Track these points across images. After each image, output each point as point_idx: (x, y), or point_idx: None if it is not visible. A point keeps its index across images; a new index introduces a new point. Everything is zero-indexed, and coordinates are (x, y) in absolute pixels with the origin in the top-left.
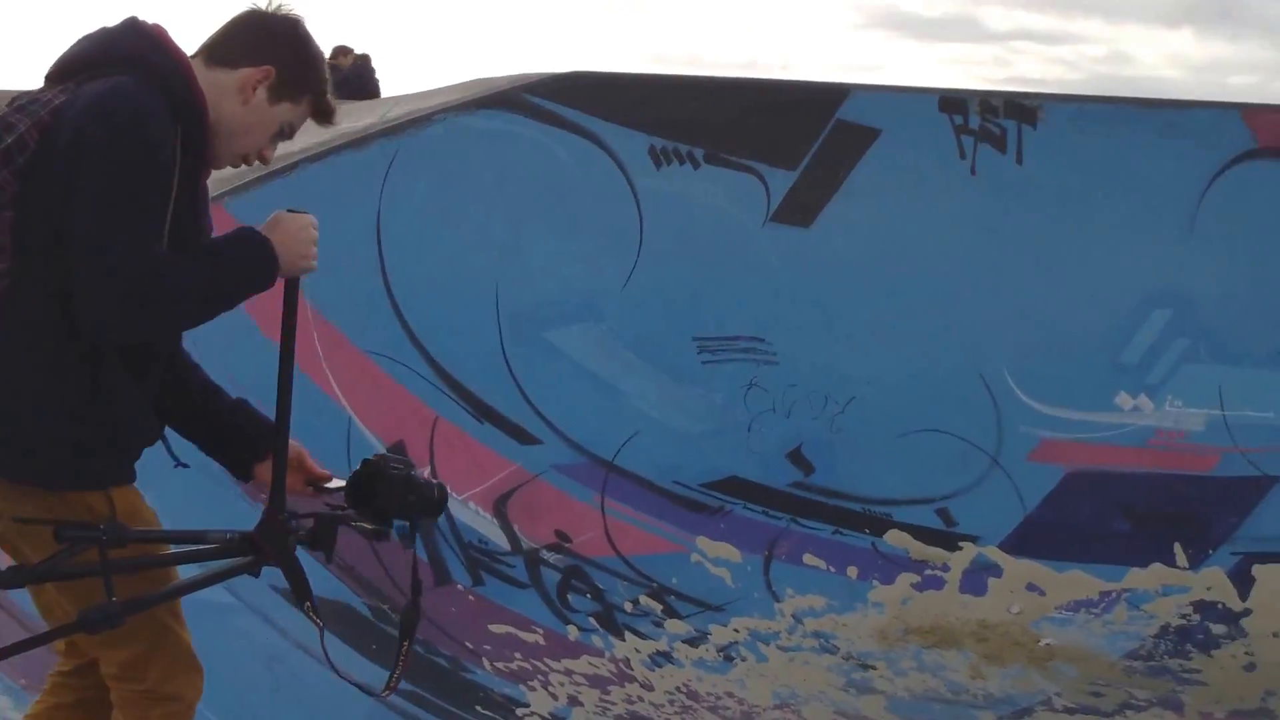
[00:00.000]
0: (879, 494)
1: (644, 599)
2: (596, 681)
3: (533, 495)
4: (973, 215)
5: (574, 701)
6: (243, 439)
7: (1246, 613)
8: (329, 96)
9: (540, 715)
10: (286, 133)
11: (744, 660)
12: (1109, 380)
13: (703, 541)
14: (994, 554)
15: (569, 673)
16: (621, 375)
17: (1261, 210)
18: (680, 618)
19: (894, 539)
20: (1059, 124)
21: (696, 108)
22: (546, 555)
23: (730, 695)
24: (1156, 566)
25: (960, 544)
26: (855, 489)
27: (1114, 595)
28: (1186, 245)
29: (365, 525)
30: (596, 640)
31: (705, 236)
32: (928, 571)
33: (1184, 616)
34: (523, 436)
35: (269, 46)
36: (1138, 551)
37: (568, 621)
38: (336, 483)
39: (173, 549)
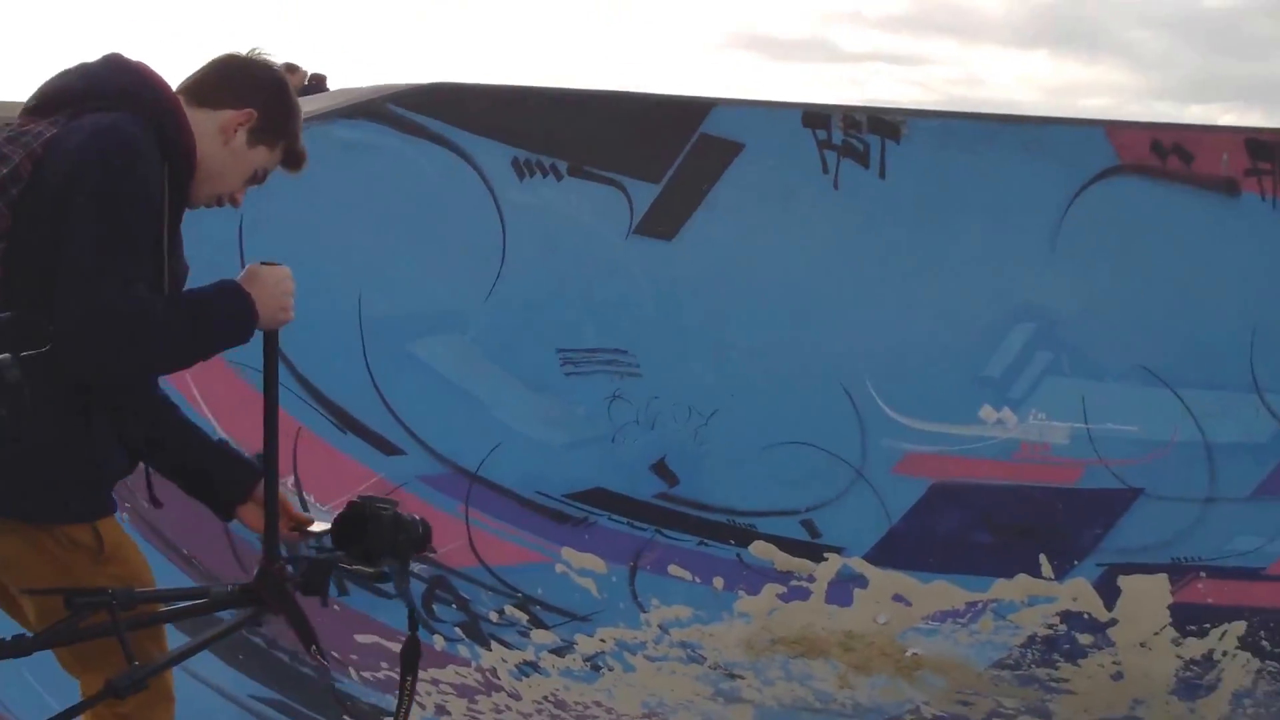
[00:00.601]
0: (744, 505)
1: (509, 609)
2: (464, 691)
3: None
4: (836, 229)
5: (441, 711)
6: (224, 480)
7: (1113, 623)
8: (301, 144)
9: None
10: (260, 177)
11: (611, 670)
12: (973, 394)
13: (568, 552)
14: (859, 565)
15: (436, 682)
16: (485, 387)
17: (1124, 226)
18: (546, 628)
19: (759, 550)
20: (922, 140)
21: (560, 120)
22: (411, 565)
23: (598, 705)
24: (1022, 577)
25: (825, 555)
26: (720, 500)
27: (980, 606)
28: (1049, 260)
29: (362, 569)
30: (463, 650)
31: (568, 249)
32: (793, 582)
33: (1050, 627)
34: (386, 447)
35: (251, 90)
36: (1003, 562)
37: (434, 631)
38: (320, 525)
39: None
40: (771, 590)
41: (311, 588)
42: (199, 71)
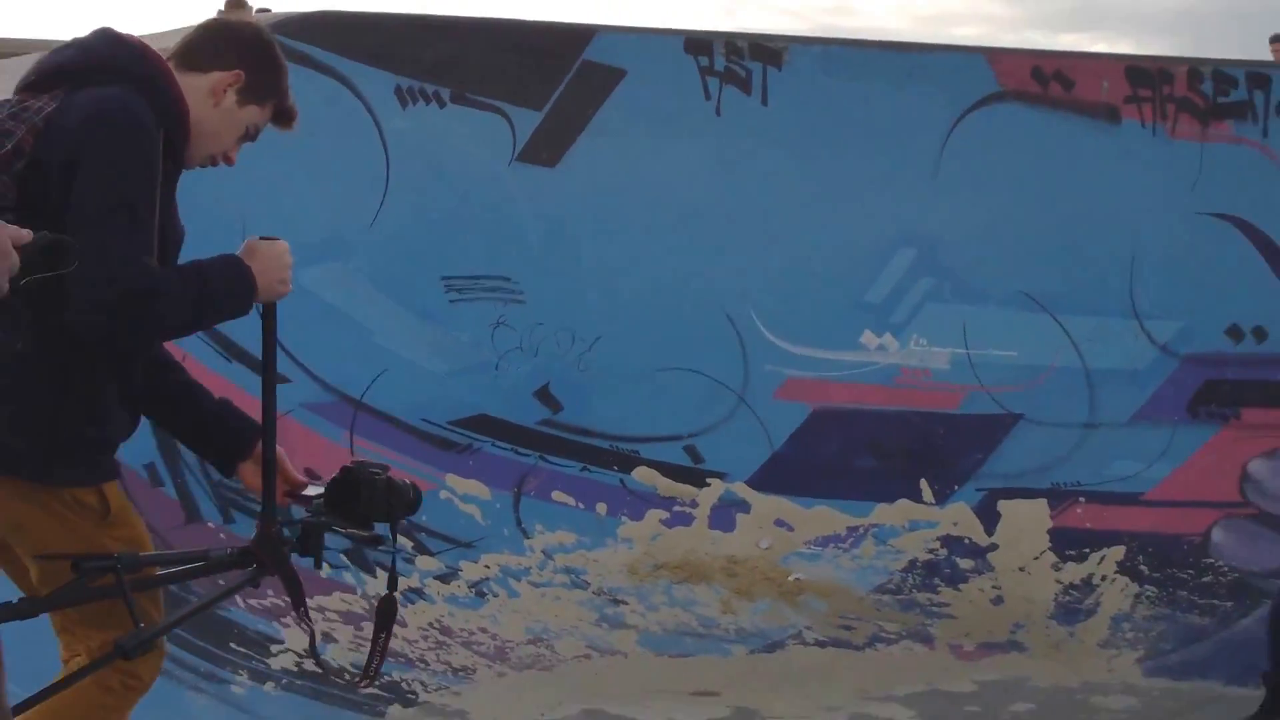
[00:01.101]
0: (626, 431)
1: None
2: (350, 618)
3: (281, 433)
4: (718, 156)
5: (328, 638)
6: (226, 438)
7: (993, 547)
8: (290, 100)
9: (295, 652)
10: (251, 134)
11: (496, 596)
12: (854, 319)
13: (452, 479)
14: (742, 490)
15: (322, 609)
16: (369, 314)
17: (1004, 152)
18: (431, 554)
19: (642, 476)
20: (804, 67)
21: (442, 48)
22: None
23: (483, 631)
24: (903, 502)
25: (708, 480)
26: (603, 426)
27: (862, 530)
28: (931, 187)
29: (356, 531)
30: (348, 577)
31: (451, 176)
32: (676, 508)
33: (931, 551)
34: None
35: (238, 51)
36: (884, 487)
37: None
38: (314, 489)
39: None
40: (655, 516)
41: (307, 550)
42: (186, 37)
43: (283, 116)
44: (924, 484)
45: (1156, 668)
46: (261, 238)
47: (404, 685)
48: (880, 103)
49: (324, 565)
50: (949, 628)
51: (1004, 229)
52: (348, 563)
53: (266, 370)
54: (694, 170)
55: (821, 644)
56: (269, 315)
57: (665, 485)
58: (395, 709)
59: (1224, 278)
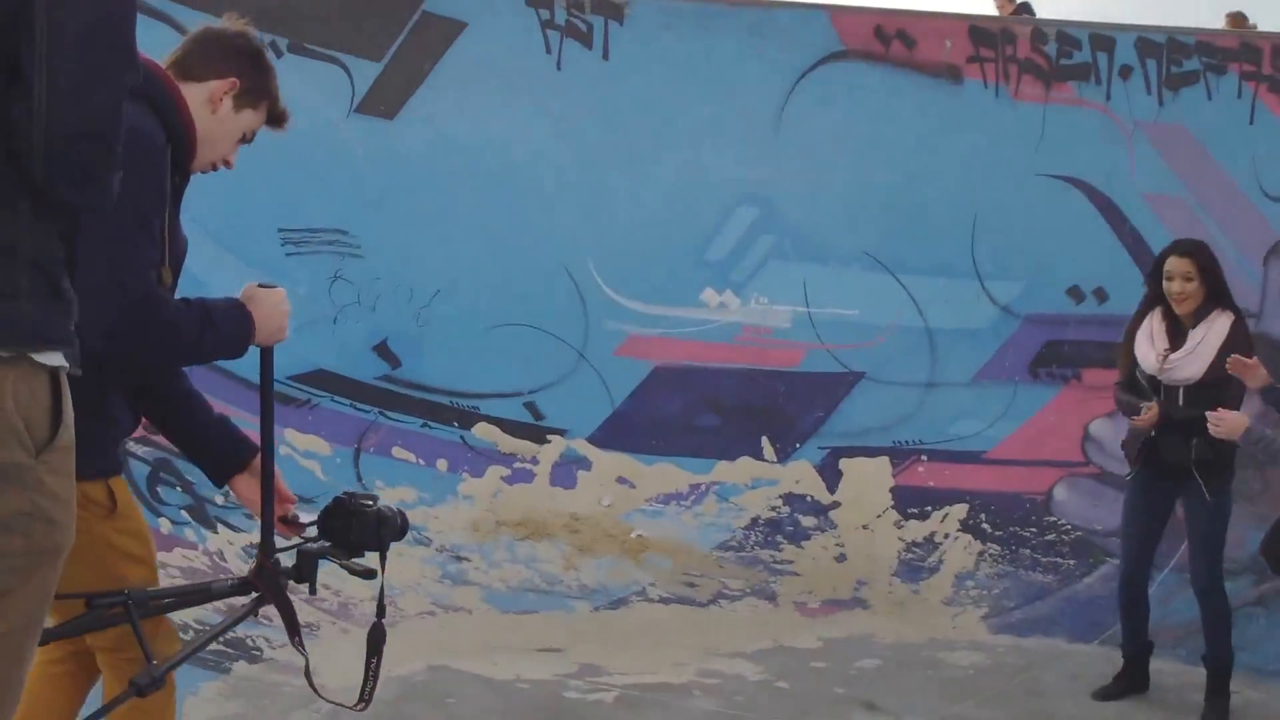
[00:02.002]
0: (466, 388)
1: None
2: (191, 574)
3: None
4: (558, 111)
5: None
6: (223, 449)
7: (835, 505)
8: (282, 103)
9: None
10: (248, 138)
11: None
12: (695, 277)
13: (291, 434)
14: (583, 447)
15: (164, 566)
16: (205, 267)
17: (846, 111)
18: None
19: (482, 432)
20: (646, 22)
21: None
22: (134, 448)
23: (327, 588)
24: (745, 460)
25: (549, 437)
26: (443, 382)
27: (704, 488)
28: (772, 145)
29: (355, 563)
30: (190, 533)
31: (290, 127)
32: (517, 465)
33: (774, 509)
34: None
35: (231, 59)
36: (726, 445)
37: (159, 515)
38: (306, 518)
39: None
40: (495, 472)
41: (302, 577)
42: (180, 49)
43: (275, 118)
44: (765, 442)
45: (1001, 625)
46: (260, 285)
47: (249, 642)
48: (722, 59)
49: (317, 589)
50: (793, 585)
51: (845, 188)
52: (189, 519)
53: (265, 410)
54: (534, 125)
55: (666, 601)
56: (267, 358)
57: (506, 442)
58: (241, 665)
59: (1065, 239)
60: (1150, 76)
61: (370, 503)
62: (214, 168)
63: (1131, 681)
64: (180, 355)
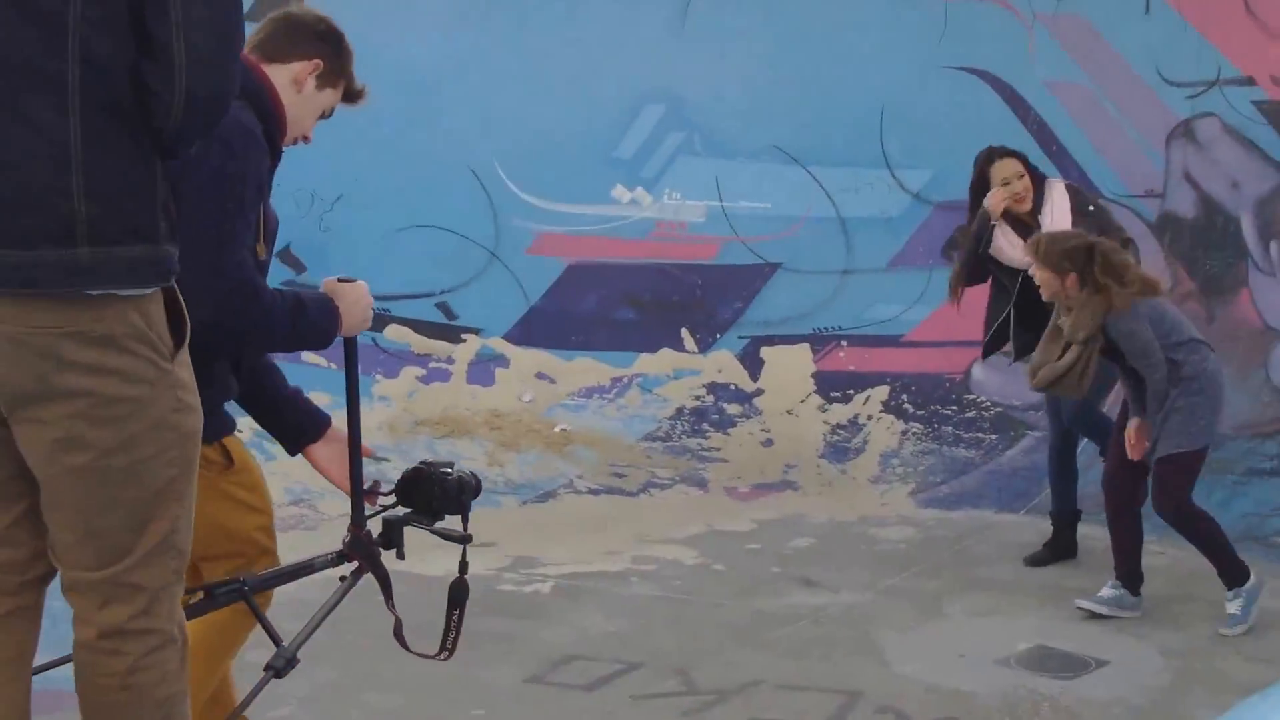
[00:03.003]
0: (375, 290)
1: None
2: None
3: None
4: (461, 12)
5: None
6: (296, 423)
7: (759, 392)
8: (357, 80)
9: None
10: (327, 114)
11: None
12: (605, 174)
13: None
14: (499, 345)
15: None
16: None
17: (751, 7)
18: None
19: (394, 334)
20: None
21: None
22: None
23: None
24: (666, 352)
25: (463, 336)
26: None
27: (625, 380)
28: (679, 42)
29: (442, 528)
30: None
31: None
32: (432, 364)
33: (698, 398)
34: None
35: (313, 41)
36: (646, 338)
37: None
38: (384, 487)
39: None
40: (410, 373)
41: (390, 543)
42: (261, 32)
43: (351, 94)
44: (685, 333)
45: (928, 500)
46: (340, 279)
47: None
48: None
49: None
50: (722, 471)
51: (753, 83)
52: None
53: (351, 394)
54: (437, 26)
55: (595, 492)
56: (351, 347)
57: (419, 342)
58: None
59: (972, 128)
60: None
61: (449, 469)
62: (294, 143)
63: (1060, 548)
64: (274, 341)
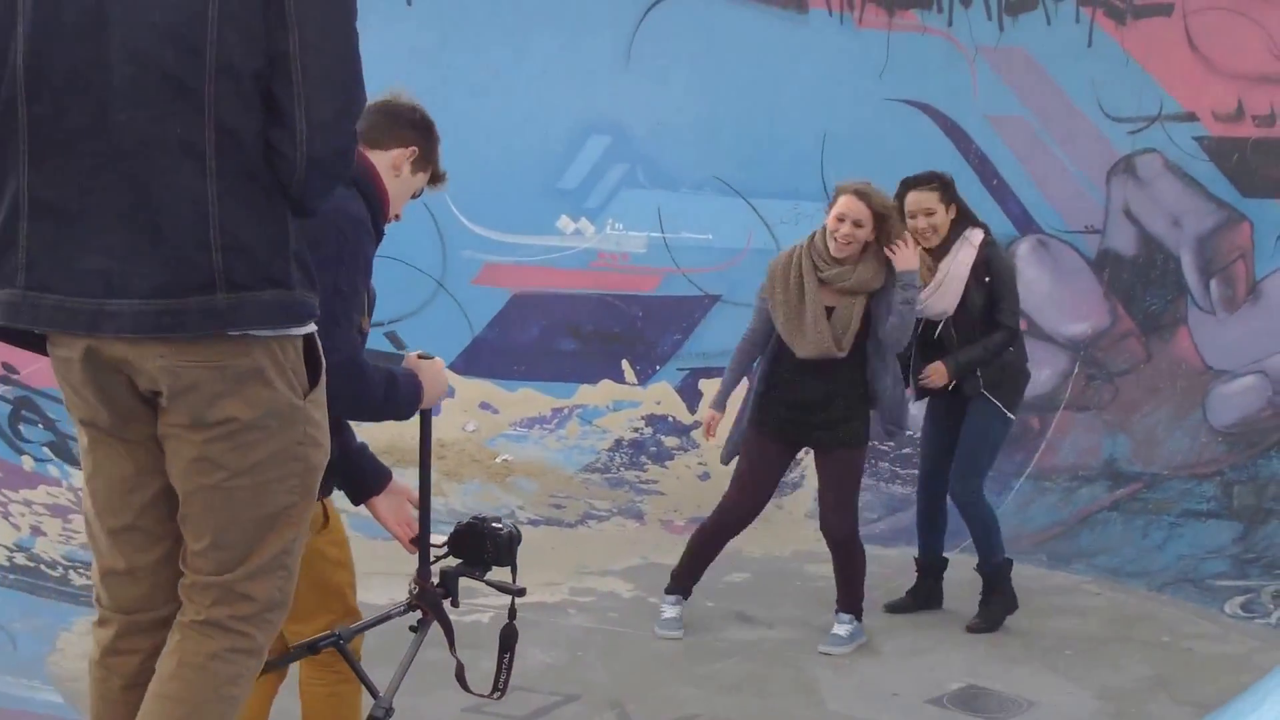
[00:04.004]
0: None
1: None
2: (57, 510)
3: None
4: (410, 44)
5: (37, 531)
6: (362, 476)
7: (696, 425)
8: (441, 165)
9: (5, 546)
10: (417, 195)
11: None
12: (550, 205)
13: None
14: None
15: (29, 503)
16: None
17: (695, 41)
18: None
19: None
20: None
21: None
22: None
23: None
24: (606, 383)
25: None
26: None
27: (566, 411)
28: (623, 74)
29: (498, 581)
30: (53, 470)
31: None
32: None
33: (636, 430)
34: None
35: (409, 130)
36: (586, 369)
37: (21, 452)
38: (437, 539)
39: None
40: None
41: (448, 593)
42: (365, 120)
43: (437, 178)
44: (625, 365)
45: (865, 536)
46: (420, 356)
47: None
48: None
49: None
50: (659, 504)
51: (695, 116)
52: (51, 456)
53: (423, 461)
54: (386, 59)
55: (535, 523)
56: (427, 418)
57: None
58: None
59: (912, 160)
60: (990, 3)
61: (499, 524)
62: (388, 221)
63: (924, 595)
64: (368, 412)
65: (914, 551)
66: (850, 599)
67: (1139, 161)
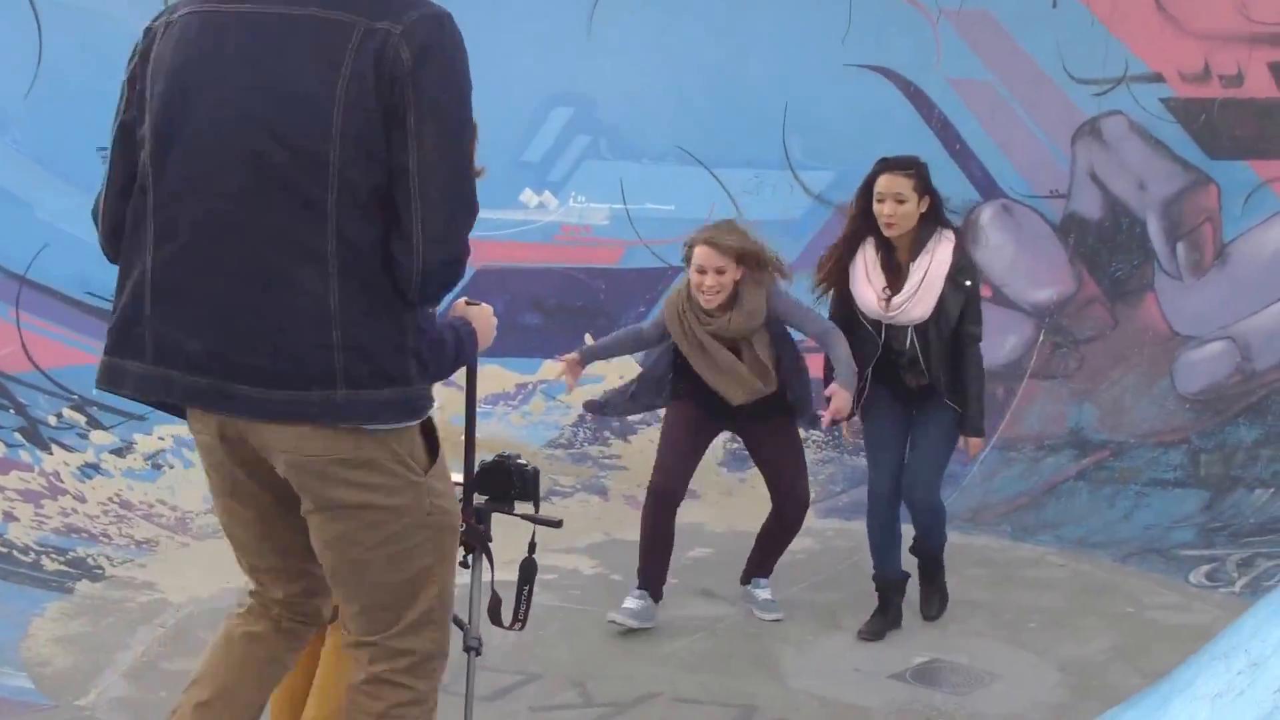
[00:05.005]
0: None
1: (67, 412)
2: (29, 496)
3: None
4: None
5: (10, 517)
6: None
7: None
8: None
9: None
10: None
11: (172, 468)
12: (513, 178)
13: None
14: None
15: (1, 489)
16: (29, 187)
17: (655, 11)
18: (105, 429)
19: None
20: None
21: None
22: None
23: (163, 503)
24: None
25: None
26: None
27: (530, 387)
28: (585, 46)
29: (537, 515)
30: (25, 455)
31: (104, 46)
32: None
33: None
34: None
35: None
36: (550, 343)
37: None
38: (454, 475)
39: None
40: None
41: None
42: None
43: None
44: (589, 339)
45: (828, 509)
46: (467, 302)
47: (90, 561)
48: None
49: None
50: (622, 479)
51: (657, 86)
52: (23, 441)
53: (470, 407)
54: None
55: None
56: (472, 366)
57: None
58: (84, 584)
59: (875, 127)
60: None
61: (522, 460)
62: None
63: (891, 616)
64: (446, 371)
65: None
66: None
67: (1104, 124)
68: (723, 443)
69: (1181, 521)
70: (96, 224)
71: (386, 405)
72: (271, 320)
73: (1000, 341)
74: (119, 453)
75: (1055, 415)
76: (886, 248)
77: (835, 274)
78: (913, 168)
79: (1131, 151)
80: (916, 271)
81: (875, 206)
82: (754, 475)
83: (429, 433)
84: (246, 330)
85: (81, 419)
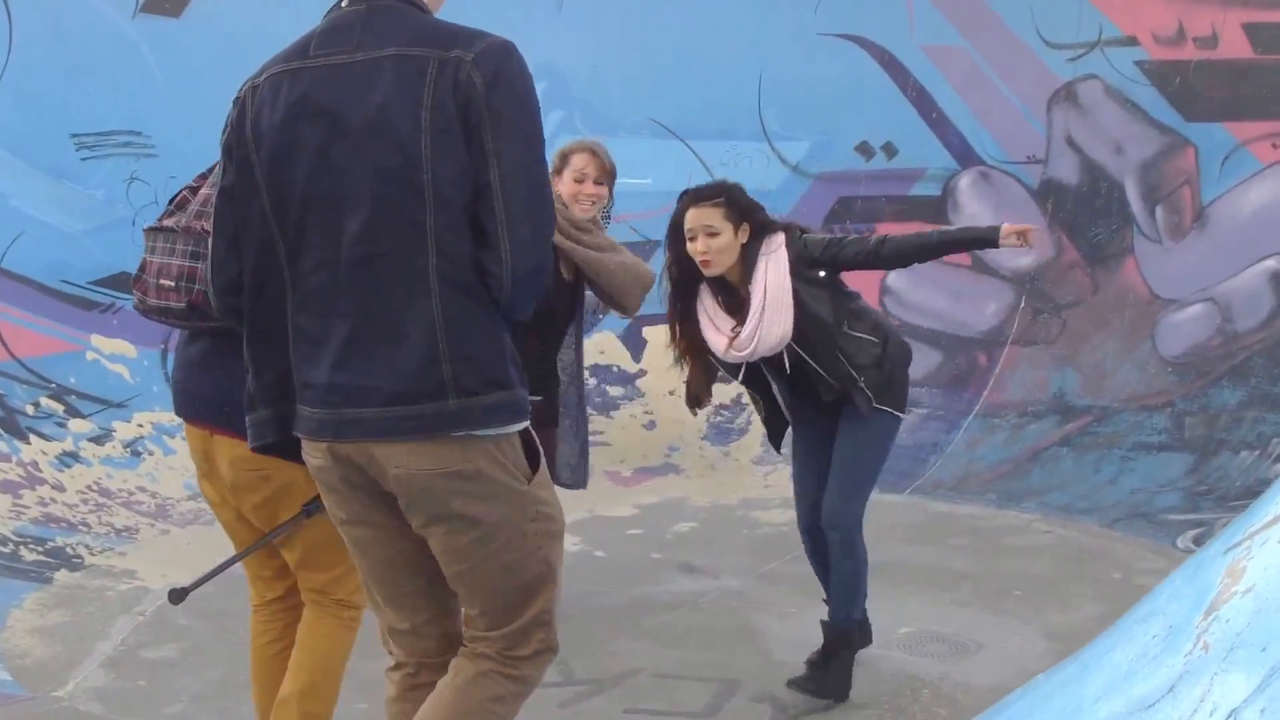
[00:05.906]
0: None
1: (45, 400)
2: (7, 486)
3: None
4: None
5: None
6: None
7: (641, 374)
8: None
9: None
10: None
11: (151, 454)
12: None
13: (97, 339)
14: None
15: None
16: (1, 176)
17: None
18: (83, 417)
19: None
20: None
21: None
22: None
23: (142, 490)
24: None
25: None
26: None
27: None
28: (558, 19)
29: None
30: (2, 445)
31: (75, 32)
32: None
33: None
34: None
35: None
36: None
37: None
38: None
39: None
40: None
41: None
42: None
43: None
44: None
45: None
46: None
47: (69, 550)
48: None
49: None
50: (605, 455)
51: (630, 58)
52: (0, 432)
53: None
54: (317, 19)
55: None
56: None
57: None
58: (63, 574)
59: (850, 96)
60: None
61: None
62: None
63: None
64: None
65: None
66: None
67: (1080, 88)
68: (706, 416)
69: (1167, 486)
70: (210, 284)
71: (495, 409)
72: (384, 341)
73: (981, 308)
74: (98, 440)
75: (1038, 381)
76: (723, 289)
77: (686, 337)
78: (721, 194)
79: (1108, 116)
80: (755, 294)
81: (688, 246)
82: (736, 448)
83: (528, 442)
84: (361, 355)
85: (60, 408)
